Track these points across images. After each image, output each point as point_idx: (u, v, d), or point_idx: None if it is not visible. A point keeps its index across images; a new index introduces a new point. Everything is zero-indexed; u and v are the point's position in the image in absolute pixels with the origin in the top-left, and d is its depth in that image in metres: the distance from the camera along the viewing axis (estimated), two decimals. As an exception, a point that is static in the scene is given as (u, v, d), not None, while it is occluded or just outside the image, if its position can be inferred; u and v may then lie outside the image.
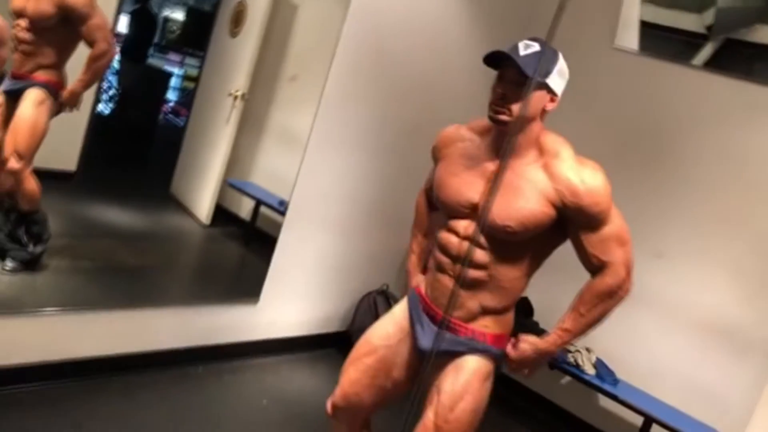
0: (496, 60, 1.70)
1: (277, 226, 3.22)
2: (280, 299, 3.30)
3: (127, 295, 2.92)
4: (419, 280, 1.99)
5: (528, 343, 1.84)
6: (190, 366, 3.00)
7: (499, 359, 1.87)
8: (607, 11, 3.58)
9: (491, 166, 1.76)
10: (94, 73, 2.71)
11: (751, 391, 2.81)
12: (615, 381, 3.16)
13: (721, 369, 3.07)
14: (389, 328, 1.96)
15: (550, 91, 1.72)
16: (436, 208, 1.98)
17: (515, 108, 1.66)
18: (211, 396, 2.88)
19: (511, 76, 1.67)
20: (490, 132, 1.81)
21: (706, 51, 3.35)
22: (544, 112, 1.74)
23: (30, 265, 2.67)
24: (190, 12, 5.02)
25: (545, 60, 1.65)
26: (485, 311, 1.81)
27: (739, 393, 2.97)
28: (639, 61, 3.51)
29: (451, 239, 1.80)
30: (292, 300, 3.38)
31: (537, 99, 1.69)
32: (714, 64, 3.29)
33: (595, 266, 1.75)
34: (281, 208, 3.24)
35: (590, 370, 3.17)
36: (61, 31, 2.54)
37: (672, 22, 3.47)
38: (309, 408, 2.95)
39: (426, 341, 1.85)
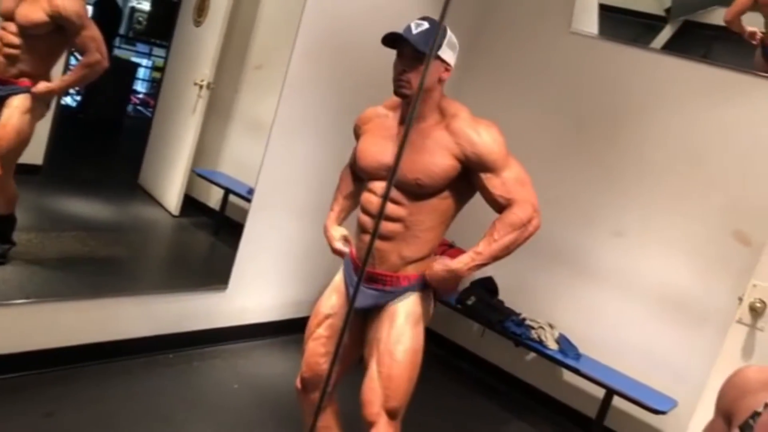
0: (393, 41, 1.90)
1: (246, 215, 3.25)
2: (249, 285, 3.34)
3: (97, 285, 2.94)
4: (341, 238, 2.17)
5: (441, 264, 1.98)
6: (161, 353, 3.03)
7: (427, 294, 2.03)
8: (563, -4, 3.64)
9: (399, 134, 1.99)
10: (80, 78, 2.70)
11: (705, 361, 2.91)
12: (577, 356, 3.26)
13: (678, 340, 3.18)
14: (333, 297, 2.14)
15: (443, 61, 1.93)
16: (360, 180, 2.17)
17: (414, 80, 1.89)
18: (182, 382, 2.92)
19: (408, 53, 1.88)
20: (399, 107, 2.03)
21: (665, 33, 3.42)
22: (441, 80, 1.94)
23: (-2, 259, 2.69)
24: (156, 2, 4.98)
25: (434, 35, 1.86)
26: (406, 262, 1.99)
27: (694, 363, 3.07)
28: (597, 45, 3.57)
29: (372, 199, 2.00)
30: (261, 286, 3.42)
31: (433, 70, 1.90)
32: (672, 47, 3.36)
33: (503, 205, 1.92)
34: (250, 196, 3.26)
35: (553, 346, 3.26)
36: (52, 39, 2.53)
37: (631, 5, 3.54)
38: (280, 391, 3.00)
39: (358, 301, 2.00)
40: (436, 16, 1.90)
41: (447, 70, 1.94)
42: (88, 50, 2.57)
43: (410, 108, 1.96)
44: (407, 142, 1.87)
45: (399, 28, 1.90)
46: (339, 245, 2.16)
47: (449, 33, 1.94)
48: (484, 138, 1.89)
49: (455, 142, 1.90)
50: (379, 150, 1.99)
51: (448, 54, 1.93)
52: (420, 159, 1.90)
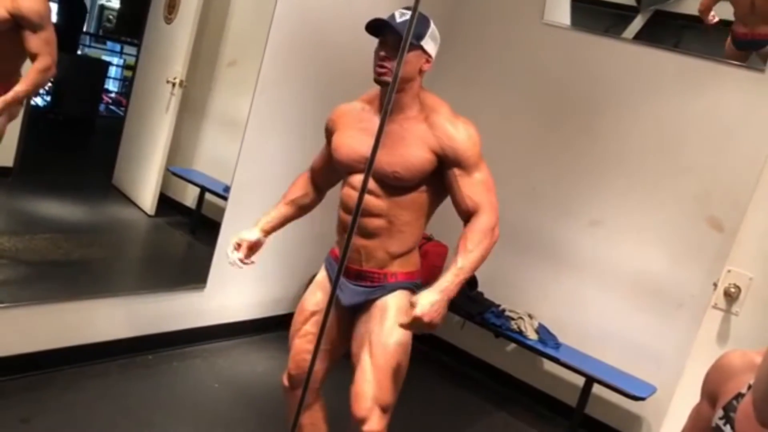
0: (376, 28, 1.90)
1: (224, 213, 3.22)
2: (227, 284, 3.31)
3: (72, 287, 2.90)
4: (239, 243, 2.17)
5: (425, 298, 1.79)
6: (140, 355, 3.00)
7: (415, 290, 2.00)
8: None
9: (377, 126, 1.91)
10: (34, 85, 2.56)
11: (682, 346, 2.95)
12: (557, 345, 3.28)
13: (656, 327, 3.21)
14: (318, 294, 2.13)
15: (425, 52, 1.92)
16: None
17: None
18: (161, 383, 2.89)
19: (390, 41, 1.88)
20: (377, 99, 2.01)
21: (637, 23, 3.44)
22: (421, 72, 1.94)
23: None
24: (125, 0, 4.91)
25: (419, 25, 1.88)
26: (392, 257, 1.99)
27: (672, 348, 3.11)
28: (570, 36, 3.59)
29: (352, 194, 1.98)
30: (239, 284, 3.40)
31: (414, 59, 1.90)
32: (644, 37, 3.39)
33: (468, 207, 1.92)
34: (226, 194, 3.23)
35: (533, 336, 3.28)
36: (14, 38, 2.42)
37: (602, -4, 3.56)
38: (261, 390, 2.99)
39: (346, 298, 2.03)
40: (408, 10, 1.90)
41: (428, 61, 1.94)
42: (41, 54, 2.46)
43: (385, 97, 1.92)
44: (385, 134, 1.88)
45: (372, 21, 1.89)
46: (230, 250, 2.16)
47: (432, 25, 1.94)
48: (462, 134, 1.89)
49: (434, 135, 1.90)
50: (356, 142, 1.96)
51: (430, 45, 1.93)
52: (398, 151, 1.89)
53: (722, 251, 2.78)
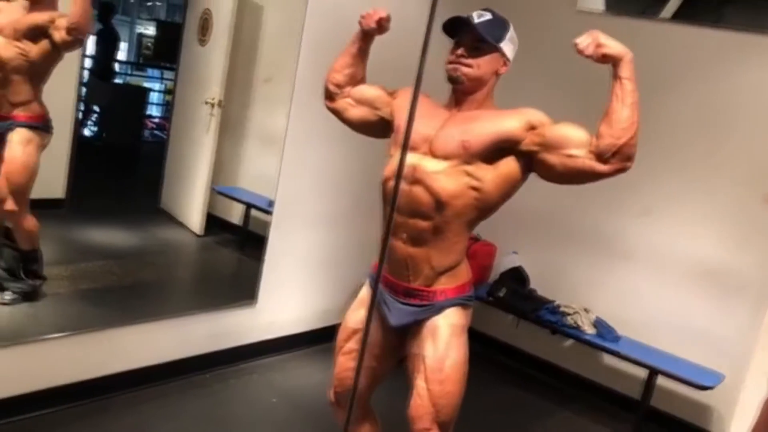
0: (453, 27, 1.87)
1: (269, 227, 3.24)
2: (277, 298, 3.33)
3: (127, 312, 2.94)
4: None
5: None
6: (196, 374, 3.03)
7: (467, 304, 1.97)
8: (566, -24, 3.58)
9: (445, 115, 1.91)
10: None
11: (747, 332, 2.84)
12: (616, 338, 3.19)
13: (718, 313, 3.10)
14: (361, 311, 2.08)
15: (503, 55, 1.91)
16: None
17: (472, 67, 1.86)
18: (219, 401, 2.92)
19: (467, 41, 1.86)
20: (449, 99, 1.96)
21: (674, 2, 3.35)
22: (497, 74, 1.92)
23: (29, 295, 2.70)
24: (161, 26, 5.02)
25: (498, 27, 1.89)
26: (438, 273, 1.90)
27: (736, 334, 3.00)
28: (605, 21, 3.51)
29: (402, 186, 1.85)
30: (289, 297, 3.41)
31: (492, 62, 1.89)
32: (683, 15, 3.29)
33: (592, 143, 1.94)
34: (270, 208, 3.26)
35: (590, 330, 3.20)
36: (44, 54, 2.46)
37: (636, -23, 3.47)
38: (318, 401, 2.96)
39: (394, 318, 1.95)
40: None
41: (505, 64, 1.92)
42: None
43: (456, 95, 1.91)
44: (457, 115, 1.88)
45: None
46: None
47: (512, 29, 1.92)
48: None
49: (510, 116, 1.85)
50: (418, 122, 1.77)
51: (508, 48, 1.91)
52: (470, 125, 1.83)
53: (783, 230, 2.67)
